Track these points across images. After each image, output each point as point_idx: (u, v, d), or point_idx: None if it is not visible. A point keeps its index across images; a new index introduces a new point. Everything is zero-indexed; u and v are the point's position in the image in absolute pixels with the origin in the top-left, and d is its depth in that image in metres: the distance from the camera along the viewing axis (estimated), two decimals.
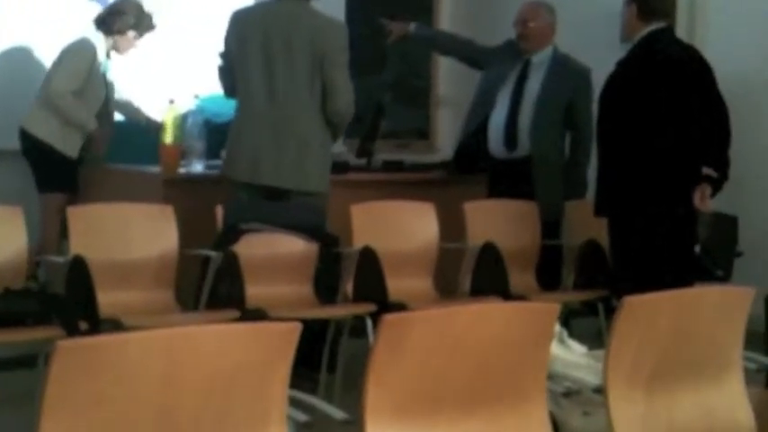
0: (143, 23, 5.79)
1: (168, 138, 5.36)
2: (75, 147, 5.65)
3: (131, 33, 5.76)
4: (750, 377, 2.97)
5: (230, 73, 5.05)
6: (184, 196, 5.08)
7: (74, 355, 1.91)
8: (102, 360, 1.94)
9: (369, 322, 4.51)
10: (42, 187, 5.64)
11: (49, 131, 5.59)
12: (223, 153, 5.22)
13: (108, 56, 5.80)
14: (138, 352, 1.98)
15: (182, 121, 5.51)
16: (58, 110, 5.55)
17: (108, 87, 5.82)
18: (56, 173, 5.64)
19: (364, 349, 4.56)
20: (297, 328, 2.14)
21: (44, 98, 5.58)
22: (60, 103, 5.54)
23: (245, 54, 4.94)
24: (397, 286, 4.78)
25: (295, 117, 4.91)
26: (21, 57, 6.02)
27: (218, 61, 5.13)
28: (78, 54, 5.61)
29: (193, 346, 2.05)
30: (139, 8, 5.79)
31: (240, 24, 5.01)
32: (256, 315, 4.25)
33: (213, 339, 2.08)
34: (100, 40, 5.71)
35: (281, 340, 2.15)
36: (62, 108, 5.55)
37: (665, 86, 4.62)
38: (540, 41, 5.76)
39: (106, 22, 5.72)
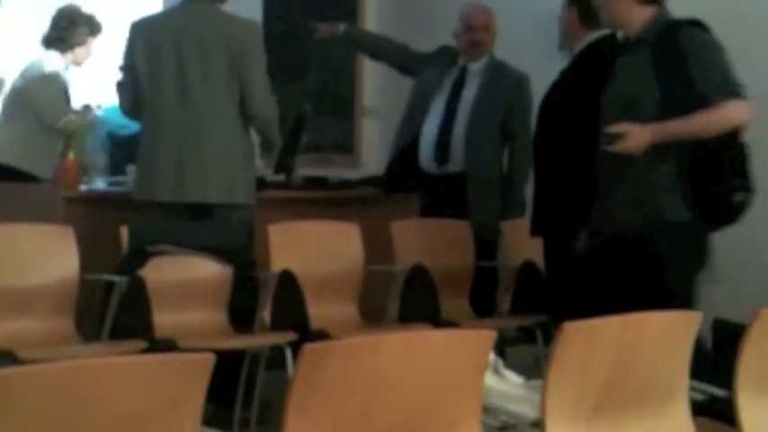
0: (95, 27, 6.00)
1: (69, 151, 5.31)
2: (50, 168, 5.70)
3: (90, 40, 5.99)
4: (697, 408, 3.02)
5: (131, 87, 5.04)
6: (86, 216, 5.05)
7: None
8: None
9: (288, 352, 4.51)
10: None
11: (17, 156, 5.70)
12: (130, 170, 5.20)
13: (67, 70, 5.97)
14: (35, 388, 1.96)
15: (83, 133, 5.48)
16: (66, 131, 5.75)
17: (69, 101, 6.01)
18: None
19: (283, 382, 4.58)
20: (209, 359, 2.14)
21: (38, 127, 5.72)
22: (65, 125, 5.72)
23: (155, 65, 4.95)
24: (318, 313, 4.79)
25: (214, 127, 4.95)
26: None
27: (118, 76, 5.13)
28: (53, 76, 5.85)
29: (96, 380, 2.03)
30: (84, 14, 6.00)
31: (146, 34, 5.02)
32: (165, 345, 4.23)
33: (118, 373, 2.07)
34: (54, 57, 5.89)
35: (193, 373, 2.14)
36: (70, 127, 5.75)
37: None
38: (489, 48, 5.84)
39: (63, 39, 5.91)
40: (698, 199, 4.13)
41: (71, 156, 5.31)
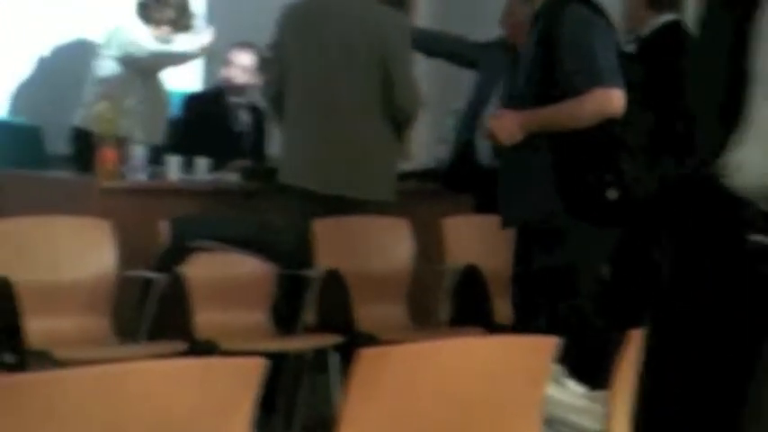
0: (181, 21, 6.14)
1: (107, 137, 5.27)
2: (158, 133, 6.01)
3: (165, 28, 6.09)
4: None
5: (279, 75, 5.17)
6: (124, 209, 5.03)
7: None
8: (30, 400, 1.91)
9: (333, 356, 4.50)
10: None
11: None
12: (169, 160, 5.23)
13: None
14: (73, 392, 1.96)
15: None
16: None
17: None
18: None
19: (327, 387, 4.56)
20: (260, 364, 2.12)
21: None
22: None
23: (300, 51, 5.08)
24: (365, 314, 4.78)
25: (362, 121, 5.08)
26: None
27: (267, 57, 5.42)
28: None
29: (139, 385, 2.03)
30: (184, 5, 6.17)
31: (295, 19, 5.16)
32: (206, 348, 4.24)
33: (163, 377, 2.07)
34: (140, 27, 6.08)
35: (243, 378, 2.13)
36: None
37: (676, 91, 4.63)
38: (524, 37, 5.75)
39: (148, 8, 6.07)
40: (569, 192, 4.10)
41: (109, 144, 5.28)
